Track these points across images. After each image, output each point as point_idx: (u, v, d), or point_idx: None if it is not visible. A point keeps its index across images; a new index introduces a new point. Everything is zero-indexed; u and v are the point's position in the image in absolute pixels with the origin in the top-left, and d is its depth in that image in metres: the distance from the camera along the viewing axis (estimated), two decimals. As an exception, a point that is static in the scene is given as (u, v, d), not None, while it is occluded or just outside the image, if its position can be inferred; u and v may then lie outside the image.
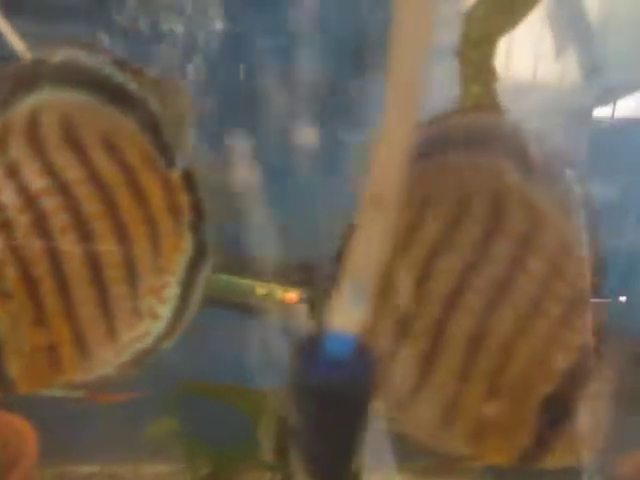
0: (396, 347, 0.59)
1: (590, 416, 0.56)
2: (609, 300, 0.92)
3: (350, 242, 0.44)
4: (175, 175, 0.56)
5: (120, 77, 0.53)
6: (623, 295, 0.93)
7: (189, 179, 0.56)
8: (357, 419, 0.46)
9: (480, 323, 0.56)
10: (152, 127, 0.55)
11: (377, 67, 0.91)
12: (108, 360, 0.57)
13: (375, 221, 0.43)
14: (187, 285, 0.58)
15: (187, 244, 0.57)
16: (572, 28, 0.97)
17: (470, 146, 0.56)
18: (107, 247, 0.52)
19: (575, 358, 0.55)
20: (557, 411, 0.56)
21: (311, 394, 0.45)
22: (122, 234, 0.55)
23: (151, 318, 0.58)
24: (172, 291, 0.58)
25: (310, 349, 0.45)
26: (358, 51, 0.96)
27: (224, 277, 0.77)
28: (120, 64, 0.53)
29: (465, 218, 0.56)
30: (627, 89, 0.97)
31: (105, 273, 0.55)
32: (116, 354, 0.58)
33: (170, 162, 0.56)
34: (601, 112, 0.96)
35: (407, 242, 0.58)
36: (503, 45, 0.96)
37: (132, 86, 0.53)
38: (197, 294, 0.57)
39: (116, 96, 0.54)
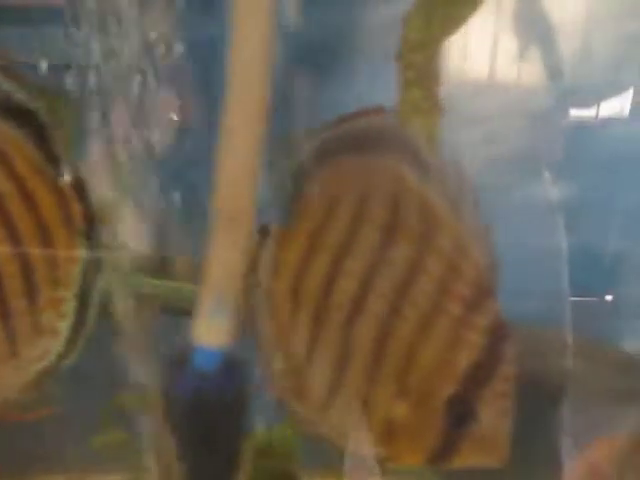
0: (311, 350, 0.60)
1: (495, 416, 0.56)
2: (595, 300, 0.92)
3: (206, 256, 0.45)
4: (66, 184, 0.57)
5: (5, 85, 0.53)
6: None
7: (81, 188, 0.57)
8: (228, 431, 0.47)
9: (384, 325, 0.57)
10: (40, 136, 0.55)
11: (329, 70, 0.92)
12: (11, 381, 0.57)
13: (228, 234, 0.44)
14: (83, 298, 0.58)
15: (81, 255, 0.57)
16: (535, 28, 0.97)
17: (369, 148, 0.56)
18: (3, 257, 0.52)
19: (475, 358, 0.55)
20: (461, 411, 0.56)
21: (179, 407, 0.46)
22: (17, 245, 0.55)
23: (51, 334, 0.57)
24: (70, 305, 0.58)
25: (178, 362, 0.46)
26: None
27: (172, 284, 0.77)
28: (6, 72, 0.53)
29: (365, 221, 0.57)
30: (612, 89, 0.97)
31: (4, 286, 0.55)
32: (18, 375, 0.58)
33: (60, 171, 0.56)
34: (585, 112, 0.95)
35: (314, 246, 0.59)
36: (468, 46, 0.97)
37: (19, 95, 0.54)
38: (94, 308, 0.57)
39: (1, 105, 0.55)
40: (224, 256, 0.45)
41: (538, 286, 0.96)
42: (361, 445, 0.57)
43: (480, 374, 0.55)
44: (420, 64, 0.81)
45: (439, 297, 0.55)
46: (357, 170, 0.56)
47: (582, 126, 0.96)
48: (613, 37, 0.95)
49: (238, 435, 0.47)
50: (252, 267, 0.59)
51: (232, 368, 0.46)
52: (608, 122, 0.95)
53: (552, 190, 0.97)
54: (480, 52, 0.98)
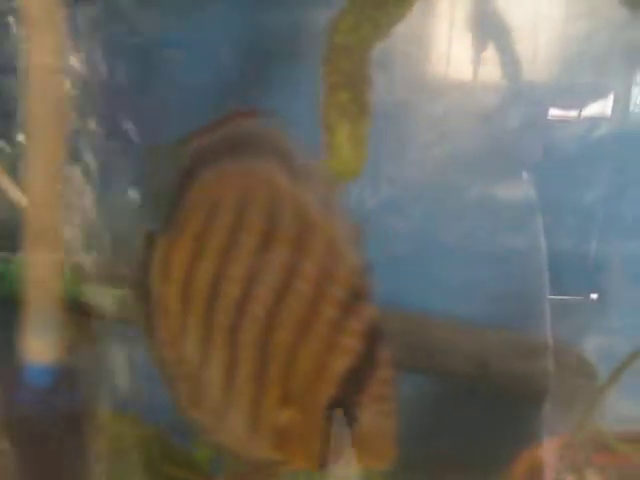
0: (203, 356, 0.60)
1: (376, 419, 0.56)
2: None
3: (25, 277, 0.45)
4: None
5: None
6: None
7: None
8: (63, 445, 0.47)
9: (266, 330, 0.57)
10: None
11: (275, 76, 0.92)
12: None
13: (37, 251, 0.45)
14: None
15: None
16: (490, 29, 0.97)
17: (244, 152, 0.57)
18: None
19: (352, 361, 0.55)
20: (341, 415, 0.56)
21: (14, 423, 0.47)
22: None
23: None
24: None
25: (11, 379, 0.47)
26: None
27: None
28: None
29: (244, 226, 0.57)
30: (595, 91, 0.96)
31: None
32: None
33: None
34: (568, 113, 0.95)
35: (199, 251, 0.59)
36: (423, 48, 0.97)
37: None
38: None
39: None
40: (38, 273, 0.45)
41: (483, 286, 0.96)
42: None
43: (358, 378, 0.55)
44: (348, 68, 0.81)
45: (315, 301, 0.55)
46: (234, 175, 0.57)
47: (537, 125, 0.96)
48: (567, 37, 0.94)
49: (77, 448, 0.47)
50: (142, 272, 0.60)
51: (65, 383, 0.46)
52: (563, 122, 0.95)
53: (510, 190, 0.97)
54: (435, 53, 0.97)
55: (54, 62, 0.42)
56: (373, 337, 0.55)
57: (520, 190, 0.97)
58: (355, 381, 0.55)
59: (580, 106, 0.94)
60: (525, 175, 0.94)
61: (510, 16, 0.95)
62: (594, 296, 0.94)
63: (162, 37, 0.90)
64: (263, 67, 0.96)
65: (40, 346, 0.46)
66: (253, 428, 0.59)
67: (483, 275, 0.96)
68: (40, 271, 0.46)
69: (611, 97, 0.94)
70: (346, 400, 0.55)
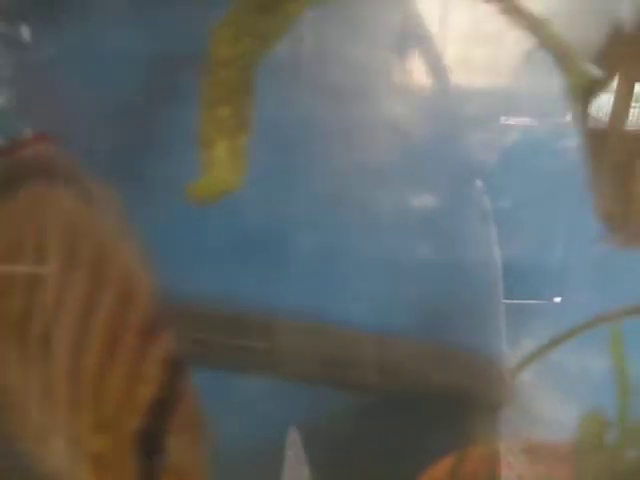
0: (21, 383, 0.59)
1: (185, 449, 0.55)
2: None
3: None
4: None
5: None
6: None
7: None
8: None
9: (75, 357, 0.56)
10: None
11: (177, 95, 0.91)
12: None
13: None
14: None
15: None
16: (408, 35, 0.95)
17: (38, 177, 0.56)
18: None
19: (155, 391, 0.54)
20: (149, 445, 0.55)
21: None
22: None
23: None
24: None
25: None
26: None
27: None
28: None
29: (46, 253, 0.56)
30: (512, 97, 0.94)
31: None
32: None
33: None
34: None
35: (9, 278, 0.58)
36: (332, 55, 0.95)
37: None
38: None
39: None
40: None
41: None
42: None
43: (162, 407, 0.53)
44: (230, 80, 0.80)
45: (115, 328, 0.54)
46: (33, 200, 0.56)
47: (453, 134, 0.94)
48: (483, 42, 0.92)
49: None
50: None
51: None
52: (481, 129, 0.93)
53: (428, 201, 0.95)
54: (347, 61, 0.96)
55: None
56: (175, 366, 0.53)
57: (439, 200, 0.95)
58: (160, 411, 0.53)
59: (497, 113, 0.92)
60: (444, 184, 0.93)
61: (427, 23, 0.93)
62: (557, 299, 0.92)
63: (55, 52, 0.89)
64: (165, 81, 0.94)
65: None
66: (74, 456, 0.58)
67: (403, 288, 0.94)
68: None
69: (529, 104, 0.92)
70: (153, 430, 0.54)
